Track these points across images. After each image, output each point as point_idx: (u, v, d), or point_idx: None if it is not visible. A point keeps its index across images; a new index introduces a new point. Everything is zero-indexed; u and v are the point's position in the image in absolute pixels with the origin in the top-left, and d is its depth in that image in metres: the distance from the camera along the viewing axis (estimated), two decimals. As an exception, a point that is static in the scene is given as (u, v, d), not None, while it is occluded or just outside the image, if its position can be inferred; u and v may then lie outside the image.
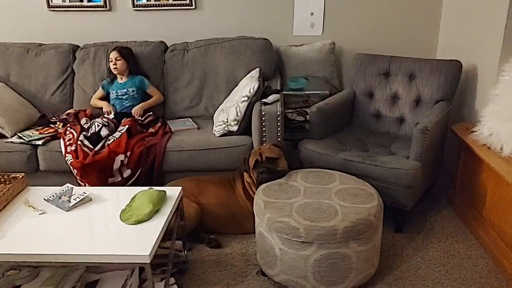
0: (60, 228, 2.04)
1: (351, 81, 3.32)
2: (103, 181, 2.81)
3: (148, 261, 1.83)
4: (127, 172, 2.88)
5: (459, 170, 2.91)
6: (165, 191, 2.27)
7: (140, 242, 1.91)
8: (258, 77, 3.09)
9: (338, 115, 3.12)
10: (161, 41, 3.60)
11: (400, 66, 3.13)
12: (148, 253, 1.83)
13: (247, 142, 2.92)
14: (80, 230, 2.02)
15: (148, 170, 2.92)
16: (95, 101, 3.40)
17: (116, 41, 3.57)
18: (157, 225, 2.03)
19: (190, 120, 3.34)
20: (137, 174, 2.91)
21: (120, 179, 2.87)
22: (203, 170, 2.94)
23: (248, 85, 2.97)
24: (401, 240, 2.66)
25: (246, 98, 2.92)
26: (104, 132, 2.97)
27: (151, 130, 3.15)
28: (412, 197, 2.60)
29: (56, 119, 3.30)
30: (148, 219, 2.08)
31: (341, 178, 2.45)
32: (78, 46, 3.60)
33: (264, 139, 2.85)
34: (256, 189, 2.54)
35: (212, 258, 2.54)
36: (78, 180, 2.86)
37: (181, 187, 2.37)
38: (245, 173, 2.73)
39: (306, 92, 3.38)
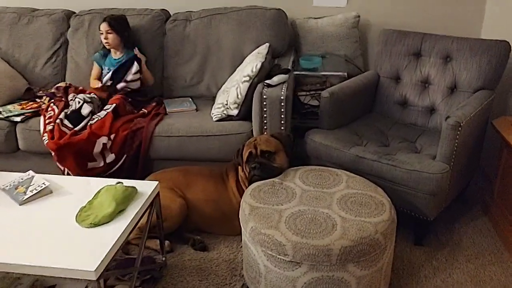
0: (5, 227, 1.73)
1: (375, 62, 2.83)
2: (82, 166, 2.51)
3: (94, 278, 1.50)
4: (110, 157, 2.56)
5: (499, 173, 2.42)
6: (135, 188, 1.92)
7: (90, 252, 1.58)
8: (266, 54, 2.67)
9: (356, 101, 2.66)
10: (163, 10, 3.21)
11: (434, 45, 2.62)
12: (94, 269, 1.49)
13: (246, 129, 2.53)
14: (27, 232, 1.70)
15: (134, 157, 2.58)
16: (94, 83, 2.96)
17: (114, 8, 3.21)
18: (116, 230, 1.70)
19: (190, 100, 2.96)
20: (122, 160, 2.59)
21: (102, 164, 2.55)
22: (194, 159, 2.58)
23: (252, 63, 2.56)
24: (420, 256, 2.23)
25: (247, 78, 2.51)
26: (85, 110, 2.63)
27: (143, 110, 2.80)
28: (436, 206, 2.16)
29: (43, 93, 3.00)
30: (109, 221, 1.75)
31: (348, 181, 2.03)
32: (74, 13, 3.26)
33: (265, 127, 2.45)
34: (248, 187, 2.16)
35: (195, 263, 2.20)
36: (57, 164, 2.56)
37: (157, 182, 2.02)
38: (239, 166, 2.35)
39: (323, 73, 2.93)
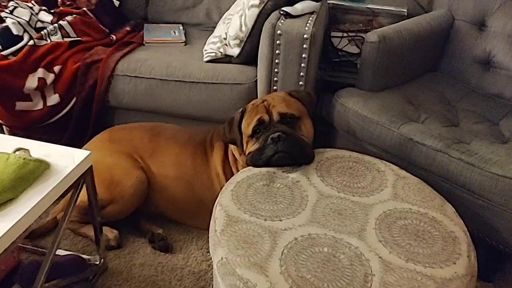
0: None
1: (449, -2, 1.93)
2: (8, 106, 1.76)
3: None
4: (53, 98, 1.81)
5: None
6: (43, 162, 1.16)
7: None
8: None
9: (416, 53, 1.80)
10: None
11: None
12: None
13: (249, 79, 1.72)
14: None
15: (87, 101, 1.82)
16: None
17: None
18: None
19: (180, 28, 2.14)
20: (70, 105, 1.83)
21: (41, 107, 1.81)
22: (169, 114, 1.81)
23: (268, -21, 1.69)
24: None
25: (257, 2, 1.67)
26: (15, 29, 1.82)
27: (111, 36, 1.99)
28: (530, 235, 1.35)
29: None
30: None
31: (397, 184, 1.24)
32: None
33: (275, 78, 1.63)
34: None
35: (148, 272, 1.48)
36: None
37: (87, 153, 1.27)
38: (230, 146, 1.57)
39: (371, 6, 2.05)
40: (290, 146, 1.28)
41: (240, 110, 1.46)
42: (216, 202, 1.17)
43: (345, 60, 2.09)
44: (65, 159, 1.23)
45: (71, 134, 1.84)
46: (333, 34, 2.16)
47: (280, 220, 1.09)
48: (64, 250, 1.52)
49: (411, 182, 1.25)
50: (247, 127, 1.40)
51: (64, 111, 1.83)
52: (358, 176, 1.25)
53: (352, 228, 1.07)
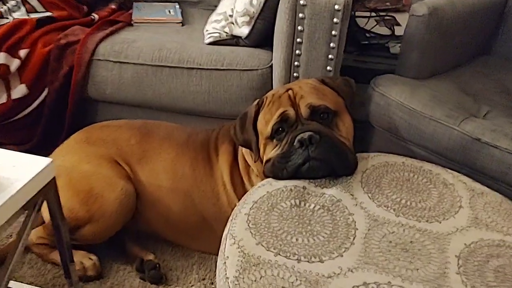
0: None
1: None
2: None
3: None
4: (19, 90, 1.47)
5: None
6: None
7: None
8: None
9: (469, 31, 1.46)
10: None
11: None
12: None
13: (261, 63, 1.38)
14: None
15: (61, 93, 1.47)
16: None
17: None
18: None
19: (176, 7, 1.79)
20: (41, 98, 1.48)
21: (4, 100, 1.47)
22: (163, 108, 1.47)
23: None
24: None
25: (272, -34, 1.32)
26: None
27: (92, 15, 1.65)
28: None
29: None
30: None
31: (474, 202, 0.89)
32: None
33: (296, 63, 1.28)
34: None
35: (135, 313, 1.14)
36: None
37: (48, 161, 0.92)
38: (243, 151, 1.22)
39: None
40: (326, 152, 0.93)
41: (256, 102, 1.11)
42: (225, 232, 0.83)
43: (375, 43, 1.74)
44: (17, 171, 0.89)
45: (42, 134, 1.51)
46: (358, 13, 1.83)
47: (321, 261, 0.74)
48: (25, 283, 1.18)
49: (492, 200, 0.91)
50: (266, 125, 1.05)
51: (34, 105, 1.49)
52: (420, 192, 0.91)
53: (427, 272, 0.73)
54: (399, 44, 1.59)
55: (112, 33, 1.50)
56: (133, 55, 1.42)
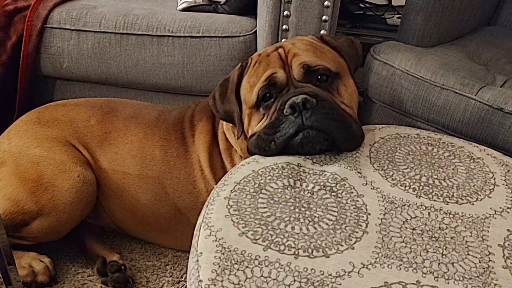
0: None
1: None
2: None
3: None
4: (-41, 65, 1.24)
5: None
6: None
7: None
8: None
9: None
10: None
11: None
12: None
13: (244, 30, 1.19)
14: None
15: (10, 67, 1.26)
16: None
17: None
18: None
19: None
20: (-15, 73, 1.27)
21: None
22: (129, 84, 1.28)
23: None
24: None
25: None
26: None
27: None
28: None
29: None
30: None
31: (510, 177, 0.72)
32: None
33: (284, 26, 1.10)
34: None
35: (94, 324, 0.95)
36: None
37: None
38: (222, 125, 1.04)
39: None
40: (324, 119, 0.75)
41: (239, 65, 0.92)
42: (199, 221, 0.64)
43: (368, 14, 1.57)
44: None
45: (-11, 116, 1.29)
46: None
47: (326, 256, 0.56)
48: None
49: (530, 175, 0.74)
50: (250, 90, 0.86)
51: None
52: (443, 168, 0.74)
53: (466, 267, 0.55)
54: (398, 15, 1.43)
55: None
56: (93, 22, 1.21)
